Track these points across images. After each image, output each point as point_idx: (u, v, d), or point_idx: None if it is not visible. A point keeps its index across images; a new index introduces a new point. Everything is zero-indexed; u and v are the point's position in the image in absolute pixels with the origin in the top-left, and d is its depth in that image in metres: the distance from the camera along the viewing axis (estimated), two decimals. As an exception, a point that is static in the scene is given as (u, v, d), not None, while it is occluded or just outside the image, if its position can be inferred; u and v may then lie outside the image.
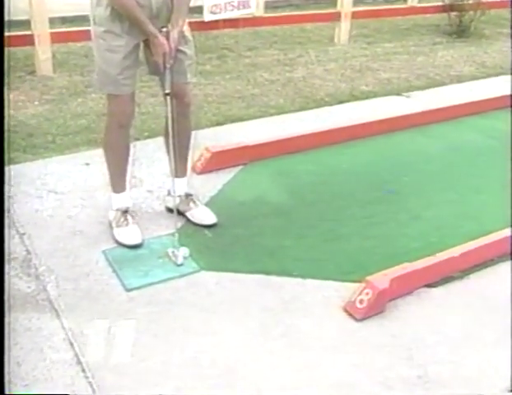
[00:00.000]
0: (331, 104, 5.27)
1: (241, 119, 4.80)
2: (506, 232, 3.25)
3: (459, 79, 6.25)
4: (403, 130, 4.72)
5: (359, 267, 3.01)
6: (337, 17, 7.05)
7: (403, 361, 2.52)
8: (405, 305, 2.82)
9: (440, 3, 7.74)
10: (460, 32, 7.66)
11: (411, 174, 4.12)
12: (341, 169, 4.13)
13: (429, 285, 2.95)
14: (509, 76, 6.32)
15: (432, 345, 2.61)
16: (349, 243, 3.29)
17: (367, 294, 2.73)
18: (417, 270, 2.91)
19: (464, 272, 3.06)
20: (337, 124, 4.61)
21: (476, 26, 7.78)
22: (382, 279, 2.77)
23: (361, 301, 2.73)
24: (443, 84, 6.07)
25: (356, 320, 2.71)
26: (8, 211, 3.28)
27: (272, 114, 4.96)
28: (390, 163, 4.26)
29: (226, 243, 3.22)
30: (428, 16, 8.21)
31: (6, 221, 3.13)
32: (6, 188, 3.33)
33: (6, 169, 3.36)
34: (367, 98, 5.50)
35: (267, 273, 2.99)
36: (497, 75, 6.42)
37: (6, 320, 2.24)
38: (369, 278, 2.77)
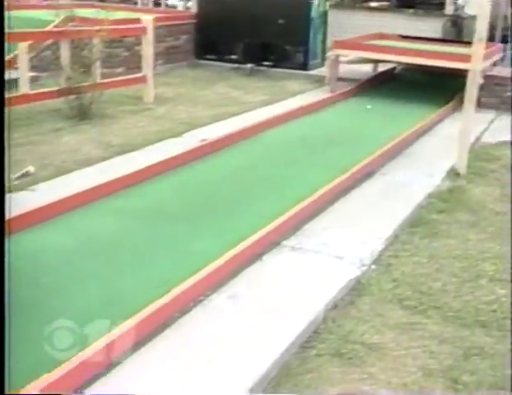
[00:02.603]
0: None
1: None
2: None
3: (88, 162, 6.01)
4: (31, 227, 4.28)
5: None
6: None
7: None
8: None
9: (56, 88, 7.44)
10: (82, 114, 7.46)
11: (51, 275, 3.77)
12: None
13: None
14: (132, 153, 6.24)
15: None
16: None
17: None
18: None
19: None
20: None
21: (97, 107, 7.67)
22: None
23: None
24: (72, 170, 5.76)
25: None
26: None
27: None
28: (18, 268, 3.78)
29: None
30: (48, 101, 7.82)
31: None
32: None
33: None
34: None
35: None
36: (126, 152, 6.34)
37: None
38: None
